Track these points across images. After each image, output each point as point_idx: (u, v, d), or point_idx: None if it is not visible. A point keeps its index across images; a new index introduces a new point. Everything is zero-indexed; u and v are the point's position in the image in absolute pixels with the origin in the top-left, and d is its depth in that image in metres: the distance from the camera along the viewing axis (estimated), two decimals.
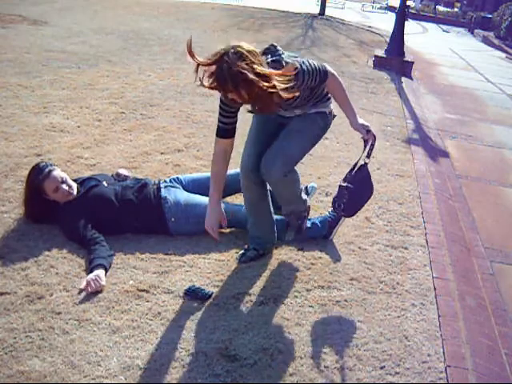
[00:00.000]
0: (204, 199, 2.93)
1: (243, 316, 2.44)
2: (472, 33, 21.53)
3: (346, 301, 2.64)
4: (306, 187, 3.49)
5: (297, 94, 2.39)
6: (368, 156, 2.84)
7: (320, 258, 2.98)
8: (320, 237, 3.12)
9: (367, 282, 2.82)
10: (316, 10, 15.78)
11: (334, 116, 2.87)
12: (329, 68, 2.60)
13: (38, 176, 2.92)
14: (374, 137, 2.79)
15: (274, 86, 2.22)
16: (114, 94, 5.45)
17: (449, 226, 3.72)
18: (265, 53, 2.49)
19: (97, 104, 5.09)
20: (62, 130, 4.36)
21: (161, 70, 6.73)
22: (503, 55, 15.60)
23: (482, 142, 6.16)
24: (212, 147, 2.72)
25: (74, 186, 3.01)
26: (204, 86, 2.28)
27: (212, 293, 2.56)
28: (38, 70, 5.95)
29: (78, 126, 4.49)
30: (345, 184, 2.75)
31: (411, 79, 8.96)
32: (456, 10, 27.82)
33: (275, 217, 2.95)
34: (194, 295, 2.53)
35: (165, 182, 3.20)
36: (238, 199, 3.33)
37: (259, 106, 2.41)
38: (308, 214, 2.97)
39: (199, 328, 2.33)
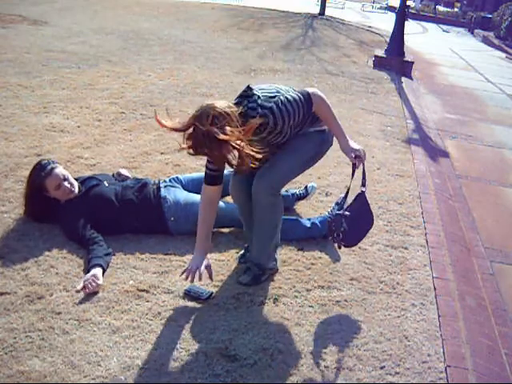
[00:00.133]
0: None
1: (243, 316, 2.44)
2: (472, 33, 21.53)
3: (346, 301, 2.64)
4: (306, 187, 3.51)
5: (266, 151, 2.32)
6: (363, 184, 2.68)
7: (320, 258, 2.98)
8: (320, 237, 3.12)
9: (367, 282, 2.82)
10: (316, 10, 15.79)
11: None
12: (312, 90, 2.50)
13: (40, 173, 2.92)
14: (363, 161, 2.60)
15: (243, 147, 2.21)
16: (114, 94, 5.45)
17: (449, 225, 3.73)
18: (241, 96, 2.45)
19: (97, 104, 5.10)
20: (62, 130, 4.36)
21: (161, 69, 6.74)
22: (503, 55, 15.60)
23: (482, 142, 6.16)
24: None
25: (76, 184, 3.01)
26: (183, 148, 2.28)
27: (212, 293, 2.56)
28: (38, 70, 5.95)
29: (78, 126, 4.49)
30: (341, 212, 2.60)
31: (411, 79, 8.97)
32: (456, 10, 27.82)
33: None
34: (193, 295, 2.53)
35: (164, 181, 3.21)
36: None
37: (236, 166, 2.35)
38: (273, 275, 2.78)
39: (199, 328, 2.33)
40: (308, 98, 2.48)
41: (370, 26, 14.80)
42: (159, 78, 6.33)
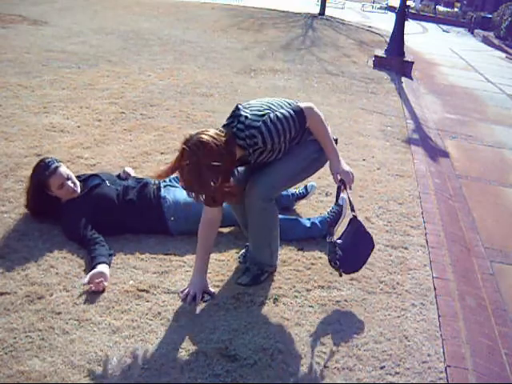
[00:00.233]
0: None
1: (243, 316, 2.44)
2: (472, 33, 21.53)
3: (345, 301, 2.64)
4: (306, 186, 3.50)
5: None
6: (352, 209, 2.62)
7: (320, 258, 2.98)
8: (320, 237, 3.12)
9: (367, 282, 2.82)
10: (316, 10, 15.80)
11: (336, 140, 2.63)
12: (305, 105, 2.43)
13: (44, 171, 2.92)
14: (346, 187, 2.54)
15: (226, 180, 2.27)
16: (114, 94, 5.45)
17: (449, 226, 3.73)
18: (232, 116, 2.43)
19: (97, 104, 5.10)
20: (62, 130, 4.36)
21: (161, 69, 6.74)
22: (503, 55, 15.61)
23: (481, 142, 6.16)
24: None
25: (78, 184, 3.02)
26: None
27: (212, 293, 2.56)
28: (38, 70, 5.95)
29: (78, 126, 4.49)
30: (330, 239, 2.54)
31: (411, 79, 8.97)
32: (456, 9, 27.83)
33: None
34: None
35: (164, 181, 3.20)
36: None
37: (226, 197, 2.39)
38: (272, 272, 2.76)
39: (199, 328, 2.33)
40: (301, 114, 2.41)
41: (370, 26, 14.81)
42: (159, 78, 6.33)
